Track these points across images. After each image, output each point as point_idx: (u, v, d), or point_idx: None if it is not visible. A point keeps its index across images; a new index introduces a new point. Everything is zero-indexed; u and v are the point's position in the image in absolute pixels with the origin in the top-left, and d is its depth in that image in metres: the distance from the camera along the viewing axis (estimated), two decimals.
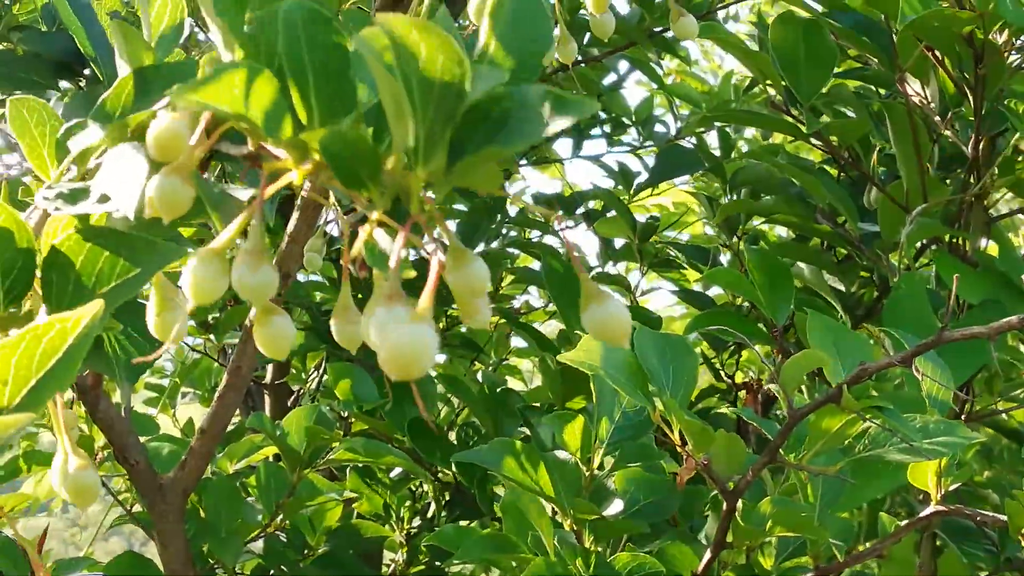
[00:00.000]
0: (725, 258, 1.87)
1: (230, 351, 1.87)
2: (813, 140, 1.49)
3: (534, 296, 2.33)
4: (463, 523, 1.50)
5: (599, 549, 0.98)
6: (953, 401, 0.95)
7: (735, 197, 1.78)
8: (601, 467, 1.01)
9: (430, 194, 0.50)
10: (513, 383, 2.21)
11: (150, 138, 0.51)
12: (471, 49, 0.50)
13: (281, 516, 1.31)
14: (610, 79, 2.09)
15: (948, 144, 1.50)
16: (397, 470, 1.64)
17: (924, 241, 1.51)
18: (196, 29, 1.53)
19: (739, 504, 0.90)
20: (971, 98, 1.35)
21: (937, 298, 1.33)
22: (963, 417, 1.33)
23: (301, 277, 1.84)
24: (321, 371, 1.84)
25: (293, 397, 1.89)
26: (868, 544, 1.01)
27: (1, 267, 0.59)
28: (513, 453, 0.97)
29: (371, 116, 0.51)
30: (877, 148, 1.52)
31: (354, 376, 1.44)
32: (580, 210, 2.04)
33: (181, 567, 1.07)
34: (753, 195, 1.75)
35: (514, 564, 1.02)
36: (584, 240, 8.77)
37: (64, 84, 1.09)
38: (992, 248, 1.46)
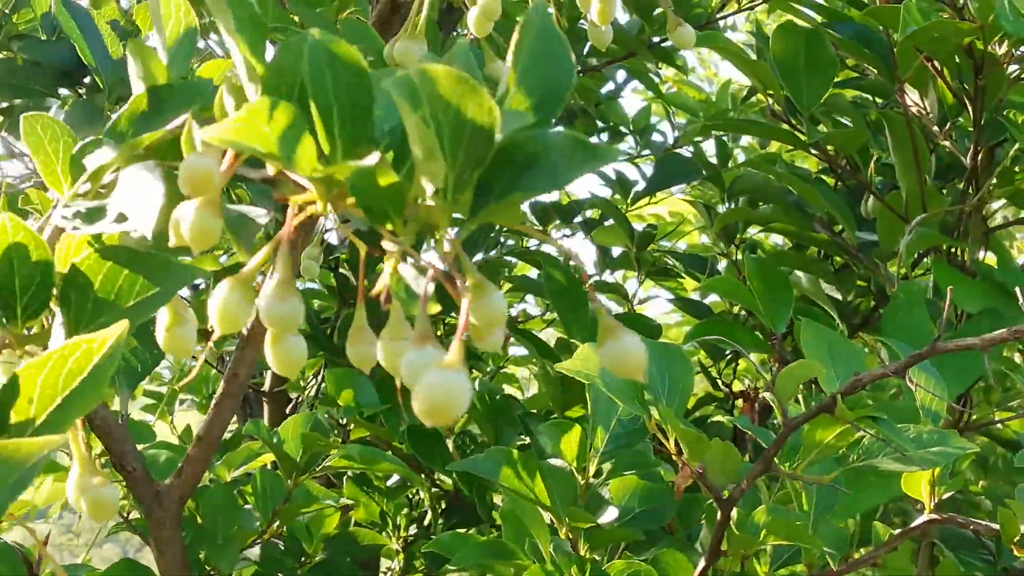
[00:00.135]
0: (721, 266, 1.88)
1: (227, 358, 1.87)
2: (811, 149, 1.49)
3: (531, 304, 2.33)
4: (461, 531, 1.50)
5: (594, 557, 0.98)
6: (949, 412, 0.95)
7: (733, 206, 1.78)
8: (597, 475, 1.01)
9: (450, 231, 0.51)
10: (509, 391, 2.22)
11: (183, 176, 0.51)
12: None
13: (278, 523, 1.31)
14: (607, 88, 2.09)
15: (945, 154, 1.50)
16: (394, 478, 1.64)
17: (922, 251, 1.51)
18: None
19: (734, 512, 0.90)
20: (970, 109, 1.35)
21: (935, 307, 1.33)
22: (960, 427, 1.33)
23: (299, 285, 1.84)
24: (320, 379, 1.84)
25: (291, 405, 1.89)
26: (861, 552, 1.01)
27: (19, 284, 0.59)
28: (509, 462, 0.98)
29: (392, 142, 0.52)
30: (875, 158, 1.52)
31: (354, 382, 1.44)
32: (578, 219, 2.04)
33: (178, 574, 1.08)
34: (751, 204, 1.75)
35: (512, 571, 1.03)
36: (582, 248, 8.80)
37: (64, 92, 1.09)
38: (990, 258, 1.47)
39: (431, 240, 0.51)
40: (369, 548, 1.55)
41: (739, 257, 1.77)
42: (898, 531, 0.98)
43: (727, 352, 1.78)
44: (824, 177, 1.71)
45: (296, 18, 1.04)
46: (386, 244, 0.51)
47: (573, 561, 0.94)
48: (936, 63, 1.35)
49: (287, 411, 1.85)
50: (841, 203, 1.49)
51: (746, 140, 2.18)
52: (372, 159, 0.49)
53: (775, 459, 0.86)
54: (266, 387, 1.87)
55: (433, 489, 1.58)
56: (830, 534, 0.94)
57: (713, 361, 1.85)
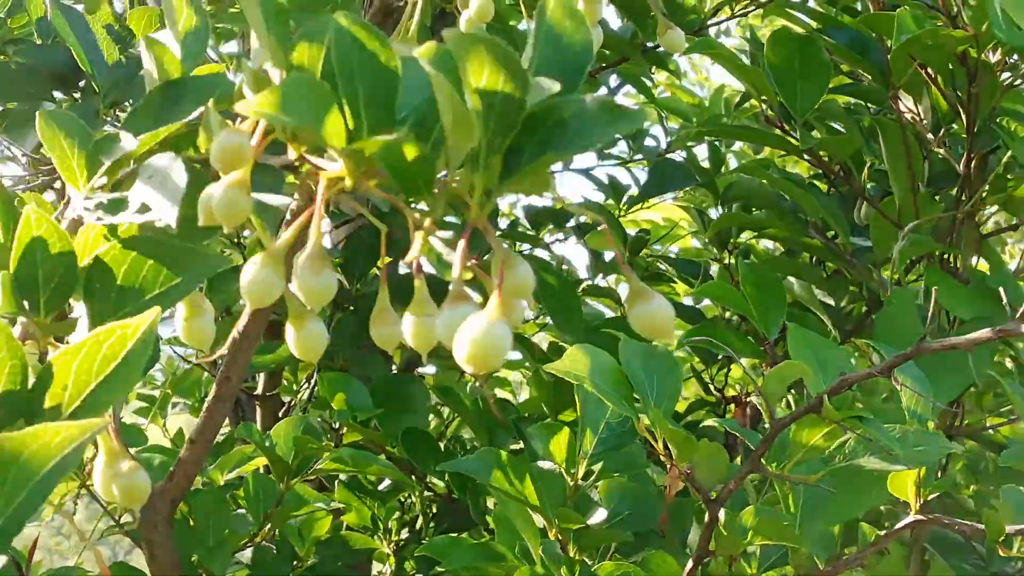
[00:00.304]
0: (714, 271, 1.88)
1: (220, 362, 1.87)
2: (805, 155, 1.50)
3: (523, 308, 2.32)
4: (453, 534, 1.51)
5: (584, 558, 0.99)
6: (940, 416, 0.95)
7: (726, 211, 1.79)
8: (586, 477, 1.02)
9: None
10: (502, 395, 2.22)
11: (216, 151, 0.53)
12: None
13: (269, 526, 1.31)
14: (600, 92, 2.09)
15: (939, 160, 1.51)
16: (386, 481, 1.64)
17: (914, 256, 1.52)
18: None
19: (722, 513, 0.90)
20: (964, 116, 1.35)
21: (927, 313, 1.34)
22: (951, 432, 1.33)
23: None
24: (312, 383, 1.84)
25: (284, 408, 1.89)
26: (845, 551, 1.02)
27: (42, 276, 0.60)
28: (500, 463, 0.98)
29: (413, 123, 0.53)
30: (868, 164, 1.53)
31: (348, 386, 1.44)
32: (571, 223, 2.04)
33: None
34: (744, 209, 1.76)
35: (503, 574, 1.03)
36: (574, 253, 8.80)
37: (59, 96, 1.10)
38: (983, 265, 1.47)
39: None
40: (361, 552, 1.55)
41: (732, 262, 1.78)
42: (884, 532, 0.98)
43: (720, 356, 1.78)
44: (817, 183, 1.72)
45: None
46: (415, 217, 0.53)
47: (562, 563, 0.95)
48: (930, 70, 1.36)
49: (279, 415, 1.85)
50: (835, 209, 1.50)
51: (739, 145, 2.18)
52: (399, 132, 0.50)
53: (763, 460, 0.86)
54: (258, 390, 1.87)
55: (426, 493, 1.58)
56: (817, 535, 0.94)
57: (706, 366, 1.85)
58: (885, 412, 0.94)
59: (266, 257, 0.53)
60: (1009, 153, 1.38)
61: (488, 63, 0.47)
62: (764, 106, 1.47)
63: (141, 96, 0.71)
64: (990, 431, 1.54)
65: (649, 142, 2.11)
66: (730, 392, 1.88)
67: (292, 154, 0.58)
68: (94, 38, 0.90)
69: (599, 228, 1.90)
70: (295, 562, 1.43)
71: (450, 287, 0.50)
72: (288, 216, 1.00)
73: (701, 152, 2.03)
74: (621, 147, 2.13)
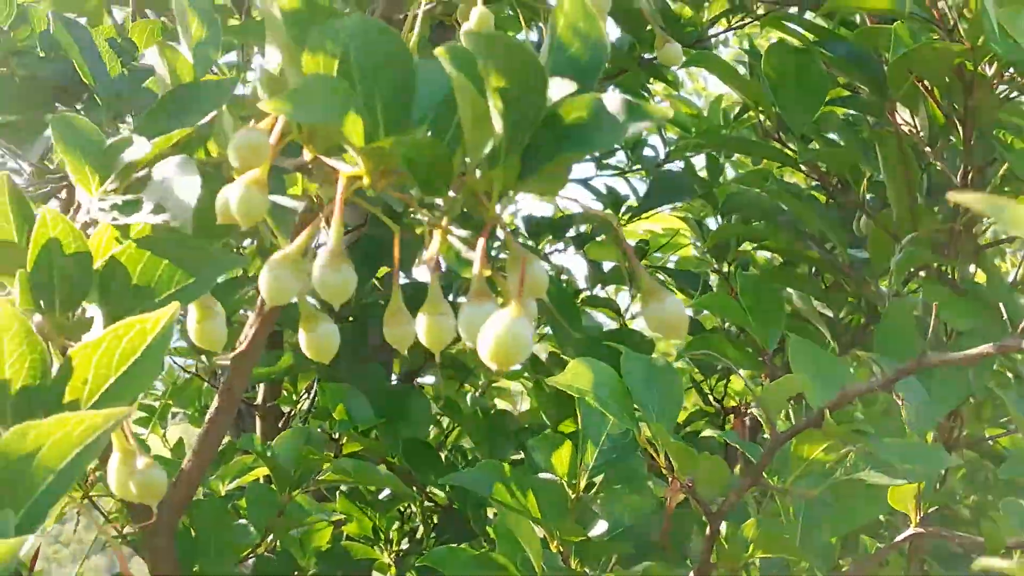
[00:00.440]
0: (713, 281, 1.88)
1: (220, 372, 1.88)
2: (803, 167, 1.50)
3: None
4: (453, 545, 1.51)
5: (585, 570, 0.99)
6: (939, 428, 0.96)
7: (726, 221, 1.79)
8: (588, 489, 1.02)
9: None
10: (501, 404, 2.22)
11: (235, 148, 0.53)
12: None
13: (271, 537, 1.31)
14: None
15: (936, 172, 1.51)
16: (386, 491, 1.64)
17: (912, 268, 1.52)
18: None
19: (723, 526, 0.91)
20: (961, 129, 1.36)
21: (925, 324, 1.34)
22: (950, 444, 1.34)
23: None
24: (312, 393, 1.84)
25: (283, 419, 1.89)
26: (843, 563, 1.02)
27: (58, 276, 0.61)
28: (502, 476, 0.99)
29: (428, 124, 0.54)
30: (867, 175, 1.53)
31: (348, 397, 1.45)
32: (570, 233, 2.05)
33: None
34: (743, 220, 1.76)
35: None
36: (572, 263, 8.83)
37: (61, 108, 1.10)
38: (980, 276, 1.47)
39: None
40: (362, 562, 1.55)
41: (730, 270, 1.78)
42: (884, 545, 0.99)
43: (719, 367, 1.78)
44: (816, 194, 1.72)
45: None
46: (432, 217, 0.54)
47: (564, 574, 0.95)
48: (927, 83, 1.36)
49: (279, 425, 1.86)
50: (833, 221, 1.50)
51: (737, 154, 2.19)
52: (418, 132, 0.51)
53: (764, 473, 0.86)
54: (258, 401, 1.88)
55: (426, 503, 1.58)
56: (818, 548, 0.95)
57: (705, 377, 1.86)
58: (885, 424, 0.95)
59: (283, 257, 0.54)
60: (1006, 165, 1.38)
61: (508, 62, 0.48)
62: (762, 116, 1.48)
63: (144, 108, 0.72)
64: (989, 442, 1.54)
65: (647, 152, 2.12)
66: (729, 403, 1.88)
67: (307, 156, 0.59)
68: (97, 51, 0.91)
69: (608, 233, 1.90)
70: (296, 572, 1.43)
71: (471, 285, 0.51)
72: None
73: (699, 162, 2.04)
74: (619, 157, 2.14)
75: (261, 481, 1.35)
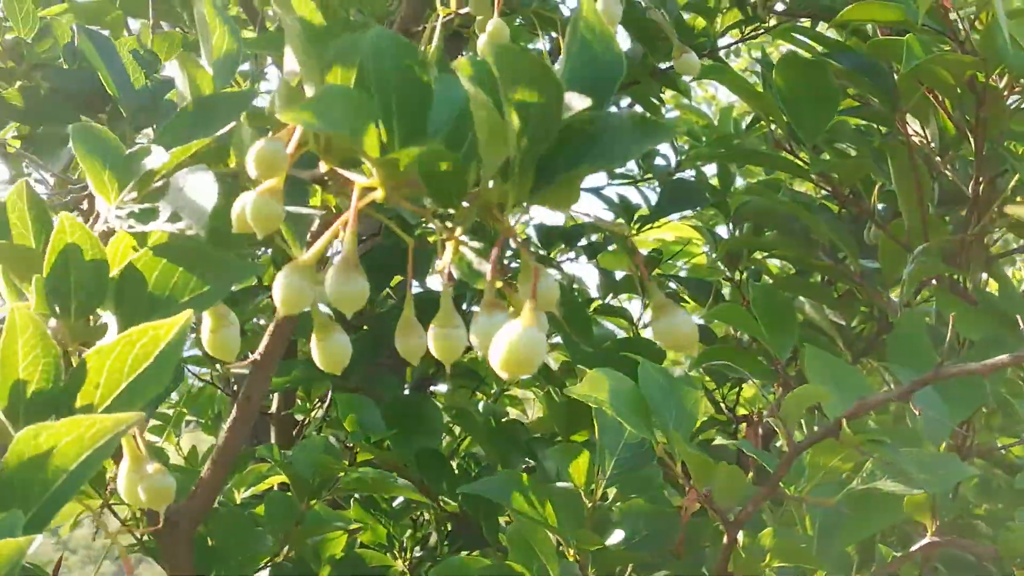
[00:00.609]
0: (725, 291, 1.89)
1: (232, 380, 1.89)
2: (814, 177, 1.51)
3: None
4: (468, 554, 1.51)
5: None
6: (952, 437, 0.96)
7: (737, 231, 1.80)
8: (604, 498, 1.03)
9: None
10: (513, 413, 2.22)
11: (252, 157, 0.54)
12: None
13: (288, 546, 1.32)
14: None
15: (947, 182, 1.52)
16: (398, 499, 1.65)
17: (924, 278, 1.53)
18: None
19: (740, 535, 0.91)
20: (972, 140, 1.36)
21: (937, 334, 1.35)
22: (962, 452, 1.34)
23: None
24: (327, 402, 1.85)
25: (297, 428, 1.90)
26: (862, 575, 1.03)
27: (75, 281, 0.61)
28: (520, 485, 0.99)
29: (443, 138, 0.54)
30: (878, 185, 1.54)
31: (361, 407, 1.45)
32: (582, 243, 2.05)
33: None
34: (755, 229, 1.77)
35: None
36: (584, 273, 8.78)
37: (85, 120, 1.11)
38: (992, 286, 1.48)
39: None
40: (376, 570, 1.56)
41: (742, 279, 1.79)
42: (900, 554, 0.99)
43: (731, 376, 1.79)
44: (827, 203, 1.73)
45: None
46: (445, 228, 0.55)
47: None
48: (937, 94, 1.37)
49: (293, 434, 1.86)
50: (844, 232, 1.51)
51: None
52: (432, 143, 0.52)
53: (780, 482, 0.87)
54: (272, 410, 1.88)
55: (440, 512, 1.59)
56: (834, 557, 0.95)
57: (717, 385, 1.86)
58: (901, 434, 0.95)
59: (297, 266, 0.54)
60: (1017, 176, 1.39)
61: (525, 76, 0.48)
62: (773, 126, 1.49)
63: (166, 120, 0.72)
64: (1001, 451, 1.54)
65: (659, 161, 2.13)
66: (741, 411, 1.89)
67: (323, 167, 0.59)
68: (121, 62, 0.91)
69: (624, 242, 1.91)
70: None
71: (484, 295, 0.52)
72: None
73: (709, 170, 2.04)
74: (631, 166, 2.14)
75: (275, 489, 1.36)
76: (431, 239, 1.42)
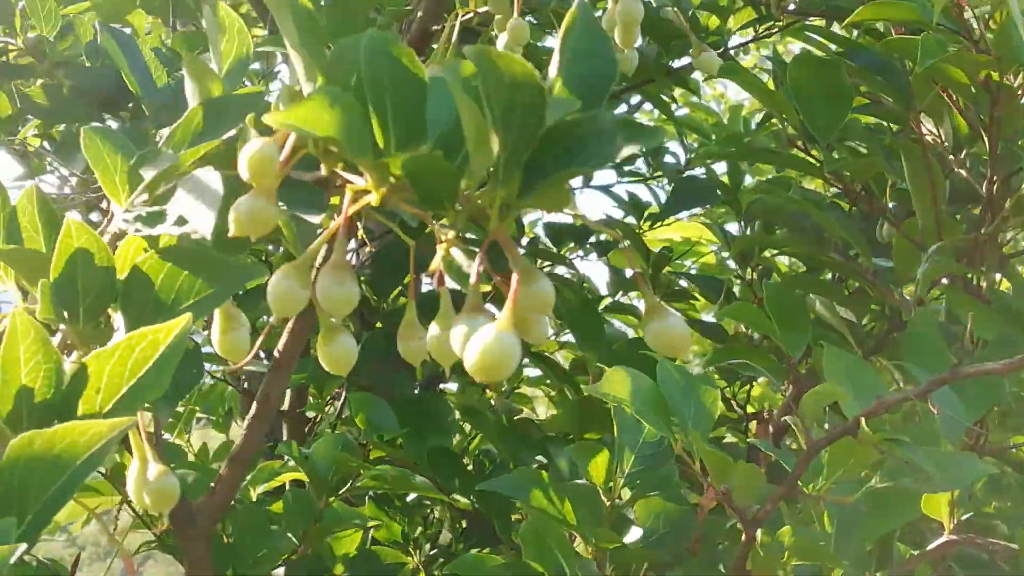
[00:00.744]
0: (736, 289, 1.89)
1: (243, 377, 1.89)
2: (826, 175, 1.51)
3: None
4: (483, 551, 1.51)
5: None
6: (967, 435, 0.97)
7: (748, 228, 1.80)
8: (621, 496, 1.03)
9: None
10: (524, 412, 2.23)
11: (243, 160, 0.54)
12: None
13: (304, 544, 1.32)
14: (619, 110, 2.10)
15: (960, 180, 1.52)
16: (411, 496, 1.65)
17: (937, 277, 1.53)
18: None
19: (758, 533, 0.92)
20: (986, 139, 1.37)
21: (949, 332, 1.35)
22: (977, 450, 1.34)
23: None
24: (342, 400, 1.85)
25: (309, 425, 1.90)
26: (879, 574, 1.03)
27: (82, 286, 0.62)
28: (539, 483, 1.00)
29: (440, 140, 0.54)
30: (890, 183, 1.54)
31: (373, 406, 1.46)
32: (592, 240, 2.05)
33: None
34: (766, 226, 1.77)
35: None
36: (595, 270, 8.81)
37: (107, 118, 1.11)
38: (1005, 285, 1.48)
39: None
40: (391, 567, 1.56)
41: (754, 276, 1.79)
42: (917, 552, 1.00)
43: (742, 374, 1.79)
44: (839, 201, 1.73)
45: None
46: (439, 230, 0.54)
47: None
48: (951, 93, 1.37)
49: (306, 431, 1.87)
50: (856, 230, 1.51)
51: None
52: (423, 148, 0.52)
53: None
54: (285, 407, 1.88)
55: (451, 509, 1.59)
56: (852, 554, 0.96)
57: (728, 383, 1.87)
58: (918, 432, 0.96)
59: (290, 268, 0.55)
60: None
61: (507, 78, 0.48)
62: (786, 123, 1.49)
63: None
64: (1014, 450, 1.54)
65: (668, 159, 2.13)
66: (751, 409, 1.89)
67: (324, 170, 0.60)
68: (143, 61, 0.92)
69: (620, 246, 1.91)
70: None
71: (467, 298, 0.52)
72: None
73: (719, 167, 2.04)
74: (640, 164, 2.14)
75: (288, 486, 1.36)
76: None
